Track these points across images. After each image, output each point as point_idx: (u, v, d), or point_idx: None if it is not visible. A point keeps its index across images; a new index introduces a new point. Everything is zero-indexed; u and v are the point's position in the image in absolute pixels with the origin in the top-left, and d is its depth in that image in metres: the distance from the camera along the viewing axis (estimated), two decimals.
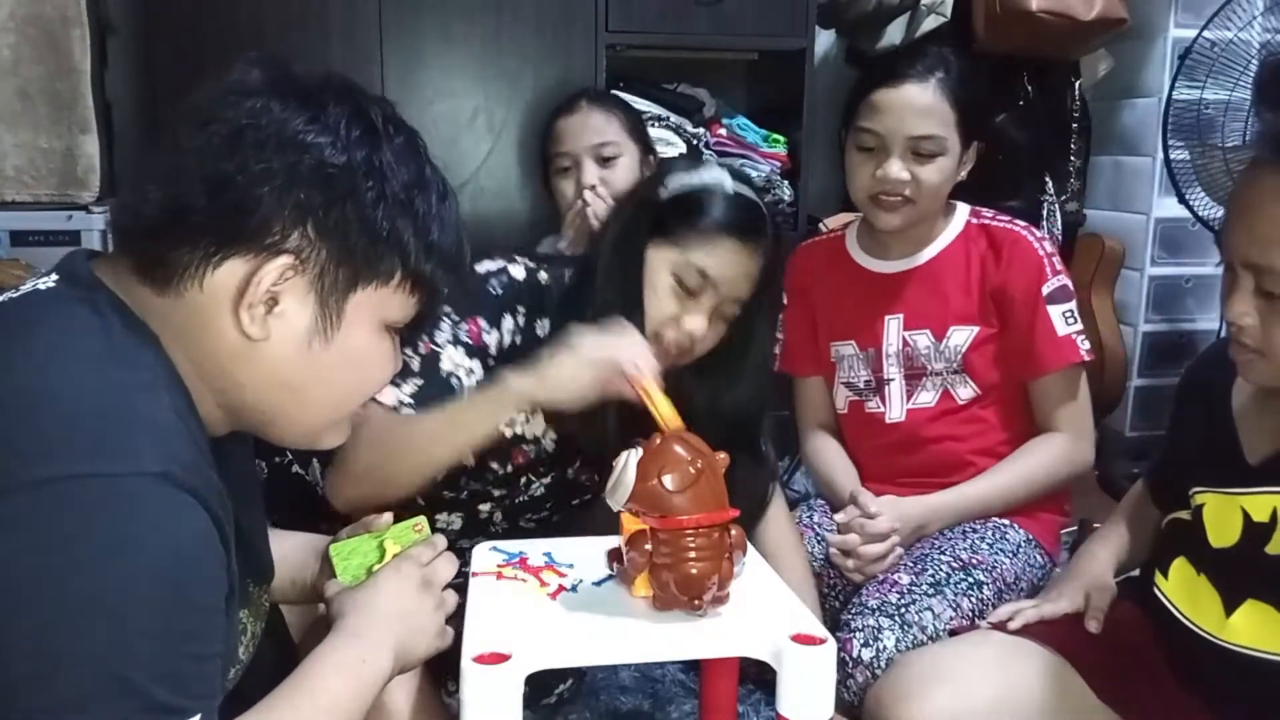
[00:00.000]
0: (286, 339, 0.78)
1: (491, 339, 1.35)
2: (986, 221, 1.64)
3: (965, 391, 1.62)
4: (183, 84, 2.23)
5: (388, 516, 1.04)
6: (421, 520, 1.04)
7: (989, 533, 1.54)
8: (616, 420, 1.29)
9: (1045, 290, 1.56)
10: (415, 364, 1.32)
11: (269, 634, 1.01)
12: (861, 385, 1.68)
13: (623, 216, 1.40)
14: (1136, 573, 1.32)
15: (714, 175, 1.35)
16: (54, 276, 0.78)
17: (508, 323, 1.36)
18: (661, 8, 2.28)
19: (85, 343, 0.72)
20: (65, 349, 0.72)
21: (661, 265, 1.33)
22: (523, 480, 1.44)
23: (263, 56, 0.80)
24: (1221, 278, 1.06)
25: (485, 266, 1.39)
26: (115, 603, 0.65)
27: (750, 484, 1.43)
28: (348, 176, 0.77)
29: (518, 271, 1.39)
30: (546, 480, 1.46)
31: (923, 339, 1.62)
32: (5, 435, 0.67)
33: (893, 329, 1.64)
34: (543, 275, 1.41)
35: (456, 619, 0.99)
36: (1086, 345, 1.56)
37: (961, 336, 1.60)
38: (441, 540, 1.02)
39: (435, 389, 1.30)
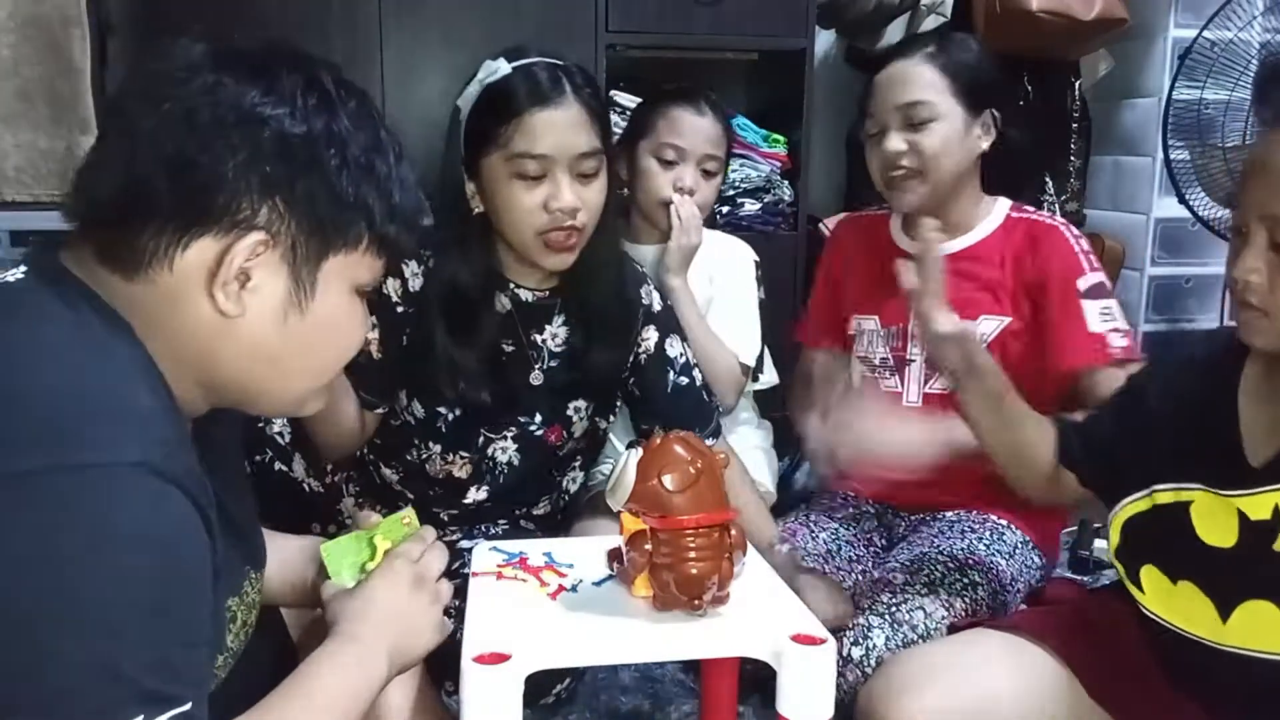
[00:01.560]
0: (262, 313, 0.78)
1: (392, 286, 1.40)
2: (1027, 215, 1.63)
3: None
4: None
5: (376, 516, 1.04)
6: (409, 513, 1.04)
7: (987, 533, 1.54)
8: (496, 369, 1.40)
9: (1081, 285, 1.54)
10: None
11: (267, 634, 1.01)
12: (877, 362, 1.68)
13: (445, 154, 1.40)
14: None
15: (487, 70, 1.35)
16: (22, 268, 0.77)
17: (410, 267, 1.40)
18: (661, 8, 2.28)
19: (58, 335, 0.72)
20: (38, 342, 0.71)
21: (498, 173, 1.33)
22: (481, 440, 1.45)
23: (204, 33, 0.79)
24: (1230, 245, 1.05)
25: None
26: (100, 593, 0.65)
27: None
28: (310, 146, 0.76)
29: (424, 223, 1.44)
30: (512, 438, 1.47)
31: None
32: None
33: None
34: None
35: (455, 616, 0.99)
36: (1123, 343, 1.52)
37: (990, 326, 1.58)
38: (431, 532, 1.02)
39: None
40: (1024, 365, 1.58)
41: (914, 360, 1.64)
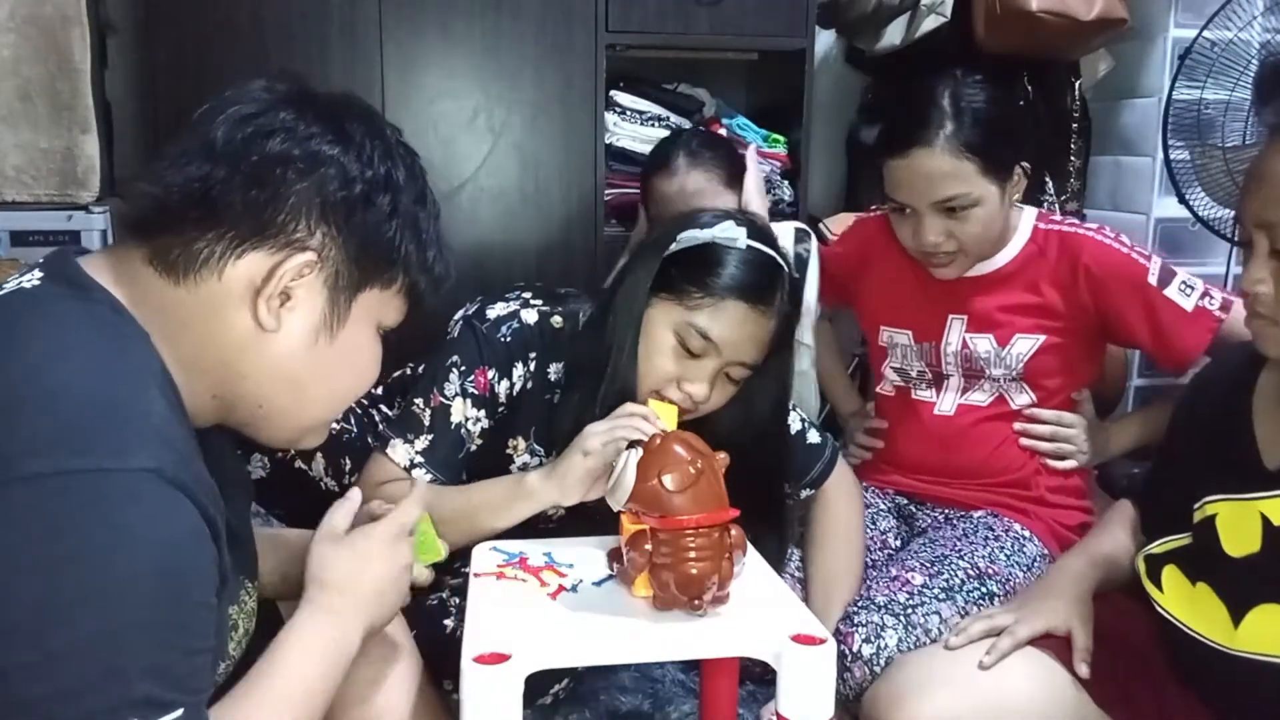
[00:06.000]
0: (295, 332, 0.82)
1: (501, 387, 1.35)
2: (1056, 227, 1.60)
3: (1022, 399, 1.62)
4: (183, 84, 2.20)
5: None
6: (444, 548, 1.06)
7: (1010, 543, 1.54)
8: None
9: (1152, 280, 1.53)
10: (426, 418, 1.33)
11: (267, 634, 1.01)
12: (914, 374, 1.69)
13: (634, 263, 1.34)
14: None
15: (727, 231, 1.28)
16: (38, 274, 0.78)
17: (518, 370, 1.36)
18: (661, 8, 2.28)
19: (77, 339, 0.74)
20: (58, 346, 0.72)
21: (664, 321, 1.28)
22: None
23: (286, 71, 0.86)
24: (1243, 258, 1.06)
25: (495, 312, 1.38)
26: (106, 596, 0.66)
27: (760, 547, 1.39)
28: (370, 187, 0.82)
29: (529, 316, 1.38)
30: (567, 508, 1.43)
31: (984, 343, 1.60)
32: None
33: (955, 329, 1.63)
34: (556, 319, 1.40)
35: (455, 615, 0.99)
36: (1217, 299, 1.52)
37: (1025, 345, 1.58)
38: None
39: (446, 442, 1.32)
40: (1064, 373, 1.59)
41: (951, 375, 1.64)
